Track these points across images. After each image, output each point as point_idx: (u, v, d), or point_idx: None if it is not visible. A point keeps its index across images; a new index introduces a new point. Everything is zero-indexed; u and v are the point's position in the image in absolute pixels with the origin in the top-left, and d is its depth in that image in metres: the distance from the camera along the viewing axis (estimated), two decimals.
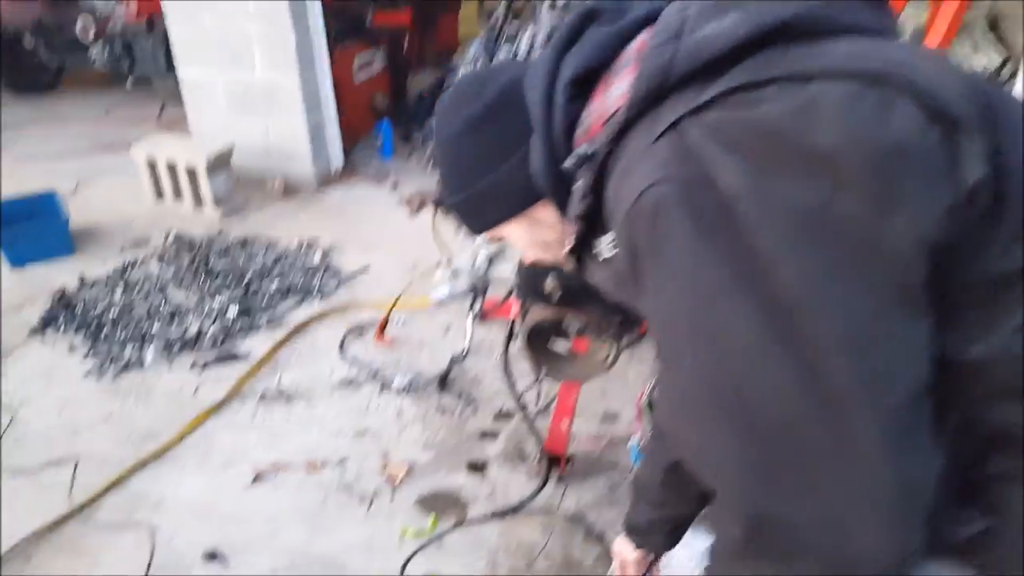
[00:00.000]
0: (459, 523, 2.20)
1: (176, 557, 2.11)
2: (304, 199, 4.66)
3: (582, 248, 0.94)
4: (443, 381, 2.82)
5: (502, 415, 2.67)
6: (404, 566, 2.05)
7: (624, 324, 2.05)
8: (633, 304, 0.85)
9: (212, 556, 2.09)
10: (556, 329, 1.97)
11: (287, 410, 2.70)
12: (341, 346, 3.05)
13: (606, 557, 2.02)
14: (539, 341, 1.97)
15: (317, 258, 3.79)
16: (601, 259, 0.92)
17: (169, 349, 3.03)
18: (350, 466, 2.44)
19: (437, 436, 2.58)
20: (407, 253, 3.82)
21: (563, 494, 2.30)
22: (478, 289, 1.89)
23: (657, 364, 0.86)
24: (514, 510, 2.23)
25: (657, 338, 0.79)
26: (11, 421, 2.64)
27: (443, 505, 2.29)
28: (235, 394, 2.77)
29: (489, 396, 2.77)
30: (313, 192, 4.74)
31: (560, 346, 2.02)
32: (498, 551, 2.12)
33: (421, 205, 4.34)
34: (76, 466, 2.42)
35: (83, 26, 5.70)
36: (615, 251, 0.86)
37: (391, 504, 2.29)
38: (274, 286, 3.50)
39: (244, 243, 3.96)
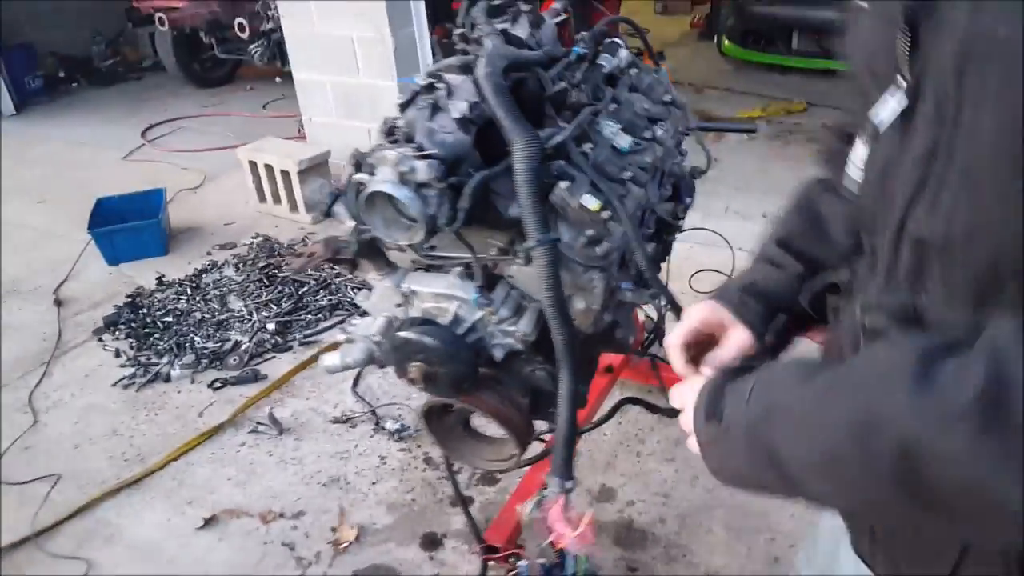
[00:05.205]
0: None
1: None
2: None
3: None
4: None
5: (488, 476, 2.38)
6: None
7: (534, 410, 1.68)
8: None
9: None
10: (457, 413, 1.65)
11: (274, 444, 2.59)
12: (356, 378, 2.89)
13: None
14: (440, 422, 1.67)
15: None
16: None
17: (198, 363, 3.04)
18: (304, 521, 2.27)
19: (409, 495, 2.34)
20: None
21: None
22: (377, 361, 1.60)
23: None
24: None
25: None
26: (33, 424, 2.76)
27: None
28: (233, 421, 2.70)
29: None
30: None
31: (465, 431, 1.70)
32: None
33: None
34: (53, 485, 2.46)
35: (239, 23, 5.99)
36: None
37: (324, 575, 2.09)
38: (325, 301, 3.42)
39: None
